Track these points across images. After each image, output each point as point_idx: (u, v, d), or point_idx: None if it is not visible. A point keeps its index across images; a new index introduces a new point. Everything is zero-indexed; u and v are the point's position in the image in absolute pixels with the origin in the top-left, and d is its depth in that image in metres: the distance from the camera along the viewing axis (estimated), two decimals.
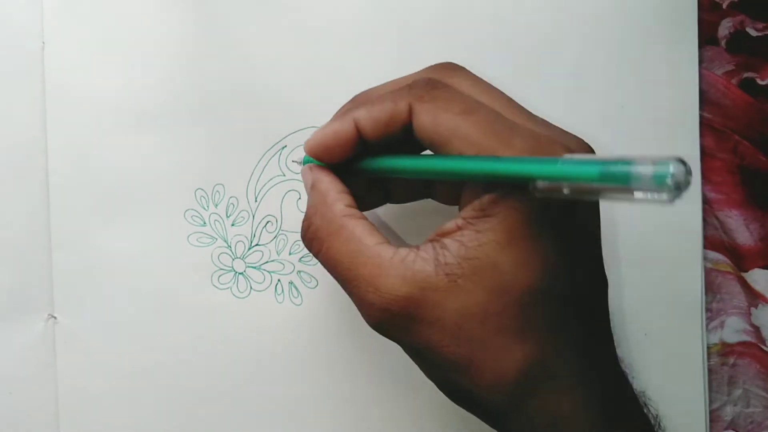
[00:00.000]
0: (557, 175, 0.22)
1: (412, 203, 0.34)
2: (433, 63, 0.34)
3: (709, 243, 0.37)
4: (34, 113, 0.35)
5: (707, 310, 0.37)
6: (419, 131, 0.26)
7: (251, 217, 0.35)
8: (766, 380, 0.37)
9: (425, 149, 0.27)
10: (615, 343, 0.29)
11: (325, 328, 0.36)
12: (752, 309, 0.38)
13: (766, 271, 0.38)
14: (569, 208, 0.25)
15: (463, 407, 0.27)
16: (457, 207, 0.27)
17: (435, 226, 0.26)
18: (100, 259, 0.35)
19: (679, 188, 0.19)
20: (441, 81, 0.27)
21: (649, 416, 0.29)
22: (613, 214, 0.36)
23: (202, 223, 0.35)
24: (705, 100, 0.37)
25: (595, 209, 0.27)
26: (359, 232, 0.26)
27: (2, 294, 0.35)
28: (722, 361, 0.37)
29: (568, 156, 0.22)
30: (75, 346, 0.35)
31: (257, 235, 0.36)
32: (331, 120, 0.28)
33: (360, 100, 0.28)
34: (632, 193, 0.19)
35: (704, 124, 0.37)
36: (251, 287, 0.36)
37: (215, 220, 0.35)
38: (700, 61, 0.36)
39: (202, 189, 0.35)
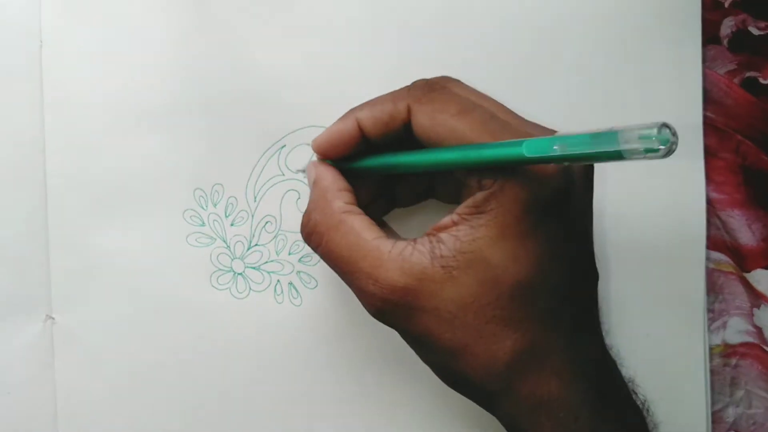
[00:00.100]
0: (548, 150, 0.23)
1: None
2: (433, 63, 0.35)
3: (711, 243, 0.37)
4: (33, 113, 0.35)
5: (709, 310, 0.37)
6: (417, 131, 0.28)
7: (250, 217, 0.35)
8: None
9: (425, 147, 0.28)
10: (604, 332, 0.31)
11: (325, 328, 0.36)
12: (755, 310, 0.37)
13: None
14: (560, 206, 0.27)
15: (458, 391, 0.29)
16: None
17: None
18: (98, 259, 0.35)
19: (666, 145, 0.20)
20: (439, 83, 0.29)
21: (638, 402, 0.30)
22: (616, 214, 0.36)
23: (201, 223, 0.35)
24: (707, 99, 0.37)
25: (586, 206, 0.29)
26: (358, 226, 0.28)
27: (1, 294, 0.35)
28: (724, 362, 0.37)
29: (560, 133, 0.23)
30: (73, 346, 0.35)
31: (256, 235, 0.35)
32: (336, 121, 0.30)
33: (363, 103, 0.30)
34: (621, 154, 0.20)
35: (706, 124, 0.37)
36: (250, 288, 0.36)
37: (214, 220, 0.35)
38: (703, 61, 0.36)
39: (200, 189, 0.35)
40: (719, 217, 0.37)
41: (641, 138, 0.20)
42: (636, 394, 0.30)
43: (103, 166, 0.35)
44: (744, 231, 0.37)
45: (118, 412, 0.35)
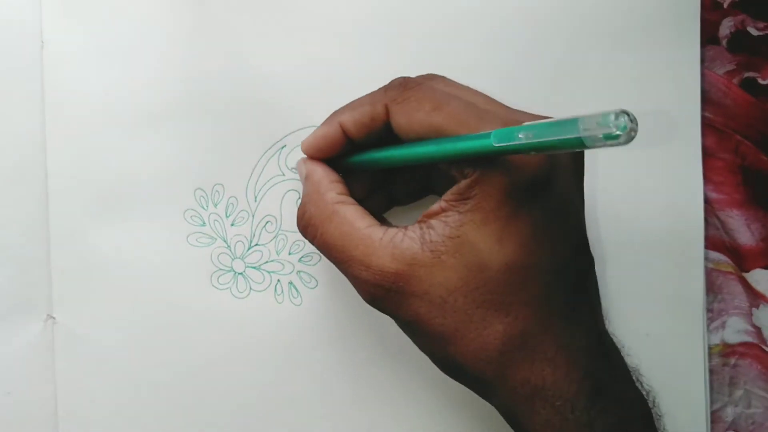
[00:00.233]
0: (514, 138, 0.23)
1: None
2: (433, 63, 0.35)
3: (710, 243, 0.37)
4: (33, 113, 0.35)
5: (708, 310, 0.37)
6: (397, 130, 0.29)
7: (251, 217, 0.35)
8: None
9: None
10: (605, 320, 0.31)
11: (325, 328, 0.36)
12: (753, 309, 0.37)
13: (767, 271, 0.38)
14: (543, 190, 0.27)
15: (453, 377, 0.29)
16: None
17: None
18: (99, 259, 0.35)
19: (624, 131, 0.20)
20: (415, 80, 0.29)
21: (642, 392, 0.29)
22: (615, 214, 0.36)
23: (201, 223, 0.35)
24: (706, 99, 0.37)
25: (574, 190, 0.29)
26: (351, 216, 0.29)
27: (1, 294, 0.35)
28: (723, 361, 0.37)
29: (527, 123, 0.24)
30: (74, 346, 0.35)
31: (257, 235, 0.35)
32: (321, 124, 0.31)
33: (345, 106, 0.31)
34: (583, 141, 0.21)
35: (705, 124, 0.37)
36: (251, 287, 0.36)
37: (215, 220, 0.35)
38: (702, 61, 0.36)
39: (201, 189, 0.35)
40: (718, 217, 0.37)
41: (599, 124, 0.20)
42: (640, 383, 0.30)
43: (104, 166, 0.35)
44: (743, 231, 0.37)
45: (118, 411, 0.35)
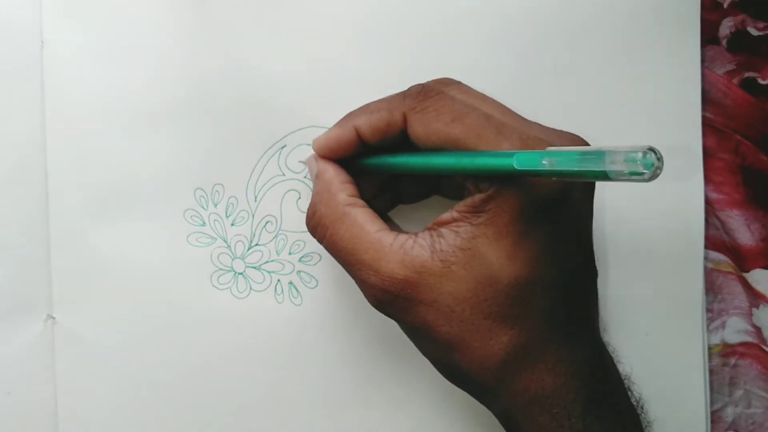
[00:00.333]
0: (537, 164, 0.23)
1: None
2: (433, 63, 0.35)
3: (710, 243, 0.37)
4: (34, 113, 0.35)
5: (708, 310, 0.37)
6: (414, 138, 0.28)
7: (251, 216, 0.35)
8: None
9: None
10: (601, 329, 0.31)
11: (325, 328, 0.36)
12: (753, 309, 0.37)
13: (767, 271, 0.38)
14: (556, 210, 0.27)
15: (456, 384, 0.30)
16: None
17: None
18: (99, 259, 0.35)
19: (650, 169, 0.20)
20: (434, 89, 0.29)
21: (632, 400, 0.30)
22: (615, 214, 0.36)
23: (201, 223, 0.35)
24: (706, 99, 0.37)
25: (585, 210, 0.29)
26: (361, 219, 0.29)
27: (1, 294, 0.35)
28: (723, 361, 0.37)
29: (550, 148, 0.24)
30: (74, 346, 0.35)
31: (257, 235, 0.35)
32: (334, 125, 0.31)
33: (360, 109, 0.31)
34: (607, 174, 0.21)
35: (705, 124, 0.37)
36: (251, 287, 0.36)
37: (215, 220, 0.35)
38: (702, 61, 0.36)
39: (201, 189, 0.35)
40: (718, 217, 0.37)
41: (626, 161, 0.20)
42: (631, 391, 0.31)
43: (104, 166, 0.35)
44: (743, 231, 0.37)
45: (118, 411, 0.35)
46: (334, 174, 0.30)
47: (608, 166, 0.21)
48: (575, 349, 0.28)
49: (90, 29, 0.35)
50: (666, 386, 0.36)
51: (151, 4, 0.35)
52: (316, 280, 0.36)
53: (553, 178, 0.26)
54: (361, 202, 0.30)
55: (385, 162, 0.30)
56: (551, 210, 0.27)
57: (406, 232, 0.28)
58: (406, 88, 0.30)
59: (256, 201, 0.35)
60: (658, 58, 0.36)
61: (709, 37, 0.37)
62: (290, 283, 0.36)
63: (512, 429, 0.29)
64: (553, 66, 0.36)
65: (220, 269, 0.35)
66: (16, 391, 0.35)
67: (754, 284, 0.38)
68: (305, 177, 0.35)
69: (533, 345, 0.27)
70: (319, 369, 0.36)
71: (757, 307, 0.38)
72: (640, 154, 0.20)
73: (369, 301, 0.29)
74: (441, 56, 0.36)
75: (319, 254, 0.35)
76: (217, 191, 0.35)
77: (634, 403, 0.30)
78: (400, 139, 0.29)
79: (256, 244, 0.36)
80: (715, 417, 0.37)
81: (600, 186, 0.35)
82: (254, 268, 0.36)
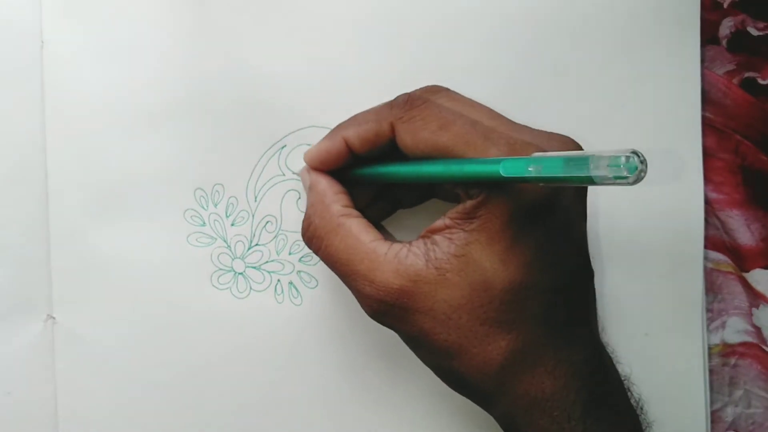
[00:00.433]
0: (524, 171, 0.23)
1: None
2: (433, 63, 0.34)
3: (710, 243, 0.37)
4: (34, 113, 0.35)
5: (708, 310, 0.37)
6: (402, 148, 0.29)
7: (251, 216, 0.35)
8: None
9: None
10: (600, 329, 0.31)
11: (325, 328, 0.36)
12: (753, 309, 0.37)
13: (767, 271, 0.38)
14: (548, 213, 0.27)
15: (457, 391, 0.30)
16: None
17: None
18: (99, 259, 0.35)
19: (633, 173, 0.20)
20: (420, 97, 0.29)
21: (632, 401, 0.30)
22: (614, 214, 0.36)
23: (201, 223, 0.35)
24: (706, 99, 0.37)
25: (578, 212, 0.29)
26: (356, 229, 0.29)
27: (1, 294, 0.35)
28: (723, 361, 0.37)
29: (536, 155, 0.24)
30: (74, 346, 0.35)
31: (257, 235, 0.35)
32: (324, 137, 0.31)
33: (349, 120, 0.31)
34: (592, 179, 0.21)
35: (705, 124, 0.37)
36: (251, 287, 0.36)
37: (215, 220, 0.35)
38: (702, 61, 0.36)
39: (201, 189, 0.35)
40: (718, 217, 0.37)
41: (610, 165, 0.21)
42: (630, 392, 0.31)
43: (104, 166, 0.35)
44: (743, 231, 0.37)
45: (118, 411, 0.35)
46: (327, 185, 0.31)
47: (593, 171, 0.21)
48: (574, 351, 0.28)
49: (90, 29, 0.35)
50: (666, 386, 0.36)
51: (151, 4, 0.35)
52: (316, 280, 0.36)
53: (541, 184, 0.26)
54: (355, 212, 0.30)
55: (377, 172, 0.31)
56: (541, 214, 0.27)
57: (400, 242, 0.28)
58: (406, 88, 0.30)
59: (256, 201, 0.35)
60: (658, 58, 0.36)
61: (709, 37, 0.37)
62: (290, 283, 0.36)
63: None
64: (553, 66, 0.36)
65: (220, 269, 0.35)
66: (16, 391, 0.35)
67: (754, 284, 0.38)
68: None
69: (531, 348, 0.28)
70: (318, 369, 0.36)
71: (757, 307, 0.38)
72: (623, 159, 0.20)
73: (366, 312, 0.29)
74: (441, 56, 0.36)
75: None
76: (217, 191, 0.35)
77: (634, 404, 0.30)
78: (390, 149, 0.29)
79: (256, 244, 0.36)
80: (715, 417, 0.37)
81: (599, 187, 0.35)
82: (254, 268, 0.36)
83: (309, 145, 0.33)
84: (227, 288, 0.35)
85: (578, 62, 0.36)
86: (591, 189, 0.31)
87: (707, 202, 0.37)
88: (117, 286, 0.35)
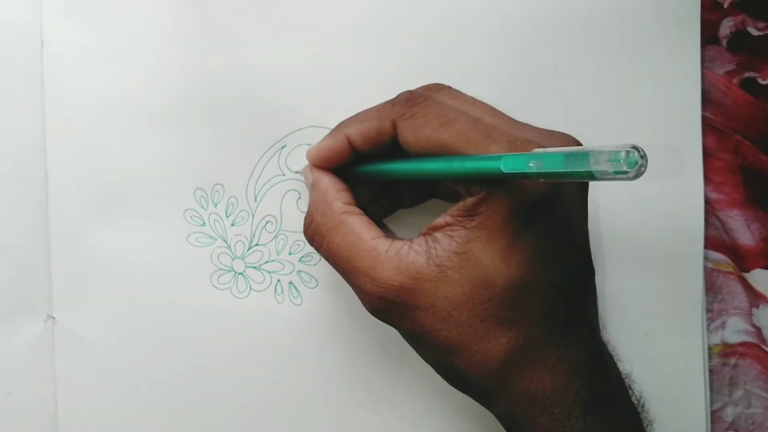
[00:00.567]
0: (524, 167, 0.23)
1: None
2: (433, 63, 0.34)
3: (710, 243, 0.37)
4: (33, 113, 0.35)
5: (708, 310, 0.37)
6: (404, 145, 0.29)
7: (251, 216, 0.35)
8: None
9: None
10: (601, 327, 0.31)
11: (325, 328, 0.36)
12: (754, 309, 0.37)
13: (767, 271, 0.38)
14: (548, 210, 0.27)
15: (458, 388, 0.30)
16: None
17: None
18: (99, 258, 0.35)
19: (633, 168, 0.20)
20: (422, 95, 0.29)
21: (633, 399, 0.30)
22: (615, 214, 0.36)
23: (201, 223, 0.35)
24: (706, 99, 0.37)
25: (578, 209, 0.29)
26: (357, 227, 0.29)
27: (1, 294, 0.35)
28: (723, 361, 0.37)
29: (537, 150, 0.24)
30: (74, 346, 0.35)
31: (257, 235, 0.35)
32: (326, 135, 0.32)
33: (351, 118, 0.31)
34: (593, 174, 0.21)
35: (705, 124, 0.37)
36: (251, 287, 0.36)
37: (215, 220, 0.35)
38: (702, 61, 0.36)
39: (201, 189, 0.35)
40: (718, 217, 0.37)
41: (610, 160, 0.21)
42: (631, 390, 0.31)
43: (104, 166, 0.35)
44: (743, 231, 0.37)
45: (118, 411, 0.35)
46: (329, 183, 0.31)
47: (593, 166, 0.21)
48: (575, 349, 0.28)
49: (90, 29, 0.35)
50: (666, 386, 0.36)
51: (151, 4, 0.35)
52: (316, 280, 0.36)
53: (542, 180, 0.26)
54: (357, 209, 0.30)
55: (379, 169, 0.31)
56: (542, 212, 0.27)
57: (402, 239, 0.28)
58: (406, 88, 0.30)
59: (256, 201, 0.35)
60: (658, 58, 0.36)
61: (709, 37, 0.37)
62: (290, 283, 0.36)
63: (513, 430, 0.29)
64: (553, 66, 0.36)
65: (220, 269, 0.35)
66: (16, 391, 0.35)
67: (754, 284, 0.38)
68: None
69: (532, 346, 0.28)
70: (319, 369, 0.36)
71: (757, 307, 0.38)
72: (623, 153, 0.20)
73: (367, 309, 0.29)
74: (441, 56, 0.36)
75: (319, 254, 0.35)
76: (217, 191, 0.35)
77: (635, 402, 0.30)
78: (392, 146, 0.30)
79: (256, 244, 0.36)
80: (715, 417, 0.37)
81: (600, 186, 0.35)
82: (254, 268, 0.36)
83: (309, 145, 0.33)
84: (227, 288, 0.35)
85: (578, 62, 0.36)
86: (592, 188, 0.31)
87: (707, 202, 0.37)
88: (117, 286, 0.35)
